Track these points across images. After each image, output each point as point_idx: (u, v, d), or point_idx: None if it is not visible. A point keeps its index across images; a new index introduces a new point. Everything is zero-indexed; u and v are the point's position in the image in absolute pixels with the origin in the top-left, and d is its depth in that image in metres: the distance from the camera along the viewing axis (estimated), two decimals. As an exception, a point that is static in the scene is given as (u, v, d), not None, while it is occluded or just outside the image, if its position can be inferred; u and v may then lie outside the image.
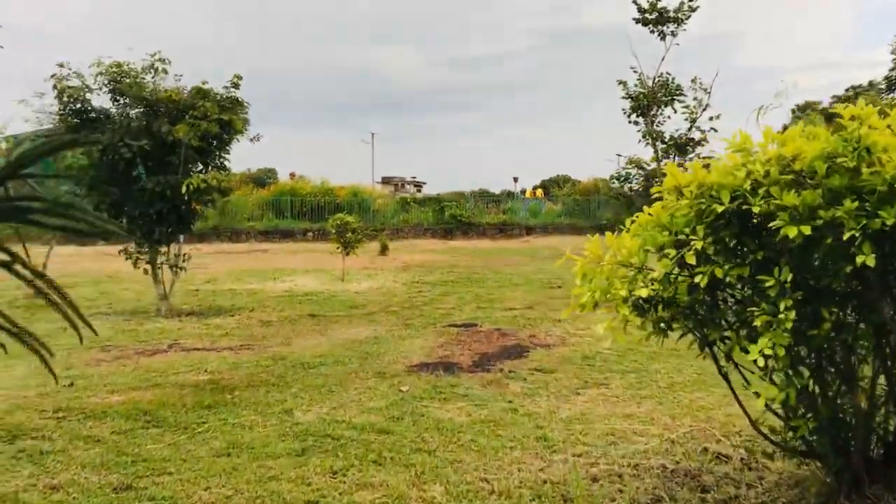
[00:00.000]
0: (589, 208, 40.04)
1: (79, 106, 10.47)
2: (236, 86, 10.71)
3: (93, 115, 10.56)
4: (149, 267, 10.82)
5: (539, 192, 53.12)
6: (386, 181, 69.43)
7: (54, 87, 10.35)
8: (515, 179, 57.80)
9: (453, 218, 36.47)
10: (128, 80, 10.49)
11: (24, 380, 6.90)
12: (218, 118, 10.23)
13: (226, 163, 11.19)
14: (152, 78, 10.64)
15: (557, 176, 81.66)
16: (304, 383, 6.74)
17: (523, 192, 55.17)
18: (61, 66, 10.34)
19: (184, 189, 9.84)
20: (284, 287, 15.13)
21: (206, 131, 10.17)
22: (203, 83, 10.68)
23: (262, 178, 51.58)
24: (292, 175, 49.15)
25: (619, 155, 68.73)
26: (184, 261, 10.96)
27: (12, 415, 5.67)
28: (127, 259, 10.73)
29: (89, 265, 20.73)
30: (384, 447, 4.91)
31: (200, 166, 10.92)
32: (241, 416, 5.68)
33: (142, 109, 10.54)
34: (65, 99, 10.33)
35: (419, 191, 70.38)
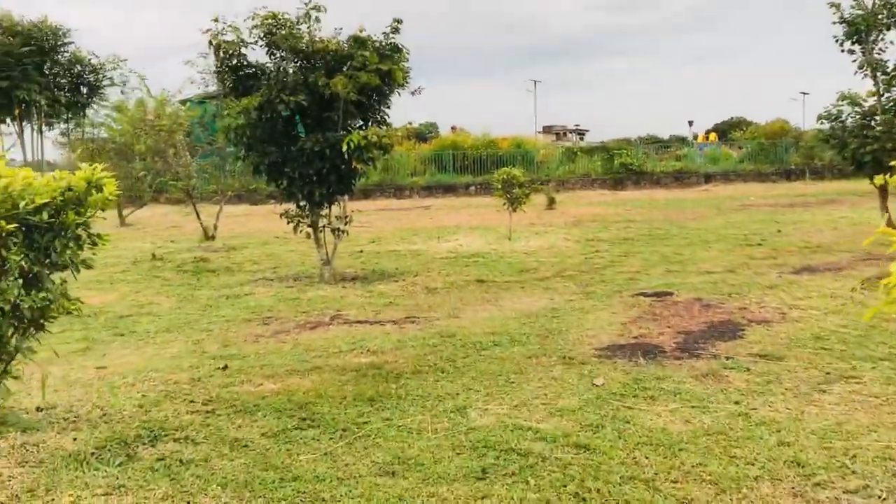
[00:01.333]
0: (775, 152, 36.52)
1: (235, 62, 9.96)
2: (396, 30, 9.76)
3: (249, 70, 10.02)
4: (310, 230, 10.26)
5: (713, 136, 49.46)
6: (547, 130, 67.32)
7: (210, 43, 9.87)
8: (690, 123, 53.98)
9: (623, 167, 34.40)
10: (283, 32, 9.83)
11: (179, 360, 6.40)
12: (377, 68, 9.35)
13: (386, 117, 10.35)
14: (308, 28, 9.91)
15: (732, 119, 76.18)
16: (478, 370, 5.77)
17: (695, 137, 51.64)
18: (216, 20, 9.83)
19: (344, 147, 9.09)
20: (449, 247, 14.32)
21: (366, 84, 9.33)
22: (360, 30, 9.83)
23: (424, 133, 51.43)
24: (453, 128, 48.59)
25: (803, 93, 62.82)
26: (346, 223, 10.31)
27: (159, 407, 5.08)
28: (289, 223, 10.22)
29: (259, 225, 20.99)
30: (586, 473, 3.82)
31: (360, 122, 10.15)
32: (407, 416, 4.78)
33: (298, 63, 9.86)
34: (221, 55, 9.84)
35: (581, 139, 67.82)
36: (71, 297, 4.80)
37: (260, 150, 9.81)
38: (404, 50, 9.90)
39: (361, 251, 13.81)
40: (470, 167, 35.76)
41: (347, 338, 7.06)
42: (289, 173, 9.93)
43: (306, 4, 9.94)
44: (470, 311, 8.29)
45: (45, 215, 4.33)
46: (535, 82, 61.99)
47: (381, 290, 9.74)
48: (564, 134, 71.18)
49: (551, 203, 23.43)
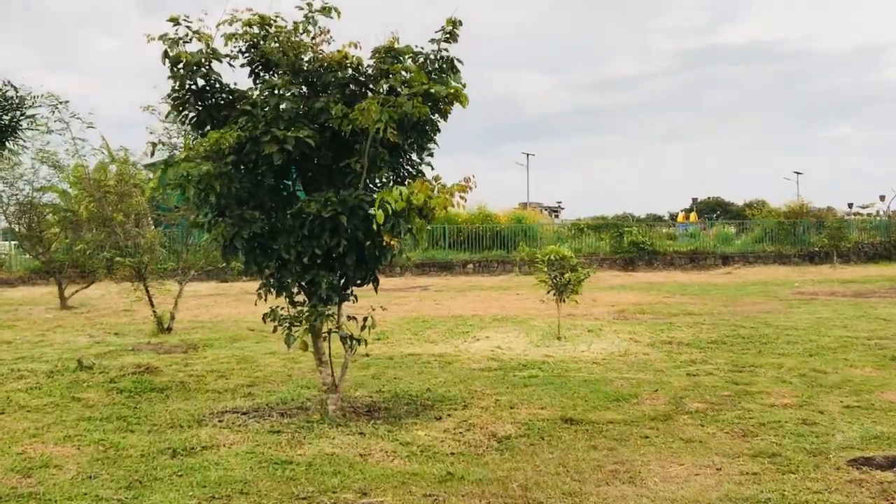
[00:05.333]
0: (794, 232, 33.71)
1: (202, 83, 6.54)
2: (451, 37, 6.40)
3: (222, 96, 6.59)
4: (308, 339, 6.64)
5: (693, 216, 46.88)
6: (522, 206, 64.91)
7: (165, 55, 6.45)
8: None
9: (634, 245, 31.26)
10: (275, 44, 6.46)
11: None
12: (426, 92, 5.97)
13: (422, 167, 6.92)
14: (311, 37, 6.56)
15: (709, 199, 74.46)
16: None
17: (674, 217, 49.33)
18: (175, 21, 6.43)
19: (377, 211, 5.58)
20: (483, 349, 10.77)
21: (407, 115, 5.92)
22: (393, 39, 6.47)
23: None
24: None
25: (797, 173, 61.23)
26: (366, 327, 6.71)
27: None
28: (276, 329, 6.60)
29: (229, 310, 17.27)
30: None
31: (388, 174, 6.69)
32: None
33: (297, 87, 6.45)
34: (179, 72, 6.42)
35: (556, 216, 65.42)
36: None
37: (236, 215, 6.27)
38: (459, 65, 6.55)
39: (367, 355, 10.10)
40: (465, 243, 32.44)
41: None
42: (279, 252, 6.40)
43: (309, 5, 6.60)
44: (595, 498, 4.73)
45: None
46: (527, 155, 59.66)
47: (421, 439, 6.11)
48: (541, 210, 68.82)
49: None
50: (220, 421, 6.79)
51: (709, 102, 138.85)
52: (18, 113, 9.15)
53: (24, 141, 9.33)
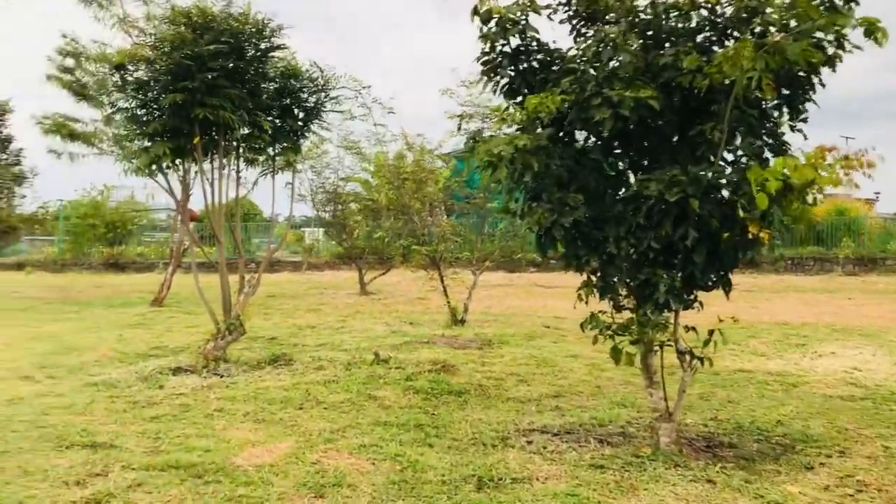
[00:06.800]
0: None
1: (516, 43, 5.51)
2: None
3: (539, 56, 5.51)
4: (635, 349, 5.35)
5: None
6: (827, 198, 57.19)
7: (474, 11, 5.51)
8: None
9: None
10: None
11: None
12: (820, 27, 4.35)
13: (783, 137, 5.26)
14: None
15: None
16: None
17: None
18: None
19: (757, 192, 4.12)
20: (833, 369, 8.73)
21: (792, 63, 4.35)
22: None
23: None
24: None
25: None
26: (713, 341, 5.27)
27: None
28: (595, 340, 5.38)
29: (521, 303, 16.56)
30: None
31: (751, 142, 5.13)
32: None
33: (634, 39, 5.16)
34: (491, 31, 5.45)
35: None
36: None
37: (555, 199, 5.14)
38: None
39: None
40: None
41: None
42: (605, 245, 5.17)
43: None
44: None
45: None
46: (846, 139, 52.72)
47: (796, 499, 4.54)
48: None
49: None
50: (528, 442, 5.74)
51: None
52: (323, 94, 8.91)
53: (328, 124, 9.07)
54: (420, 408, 6.94)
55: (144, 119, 8.23)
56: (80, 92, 15.24)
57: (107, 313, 15.15)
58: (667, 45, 5.10)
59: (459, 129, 6.91)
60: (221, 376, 8.12)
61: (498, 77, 5.70)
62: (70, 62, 15.18)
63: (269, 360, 8.99)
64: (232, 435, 5.95)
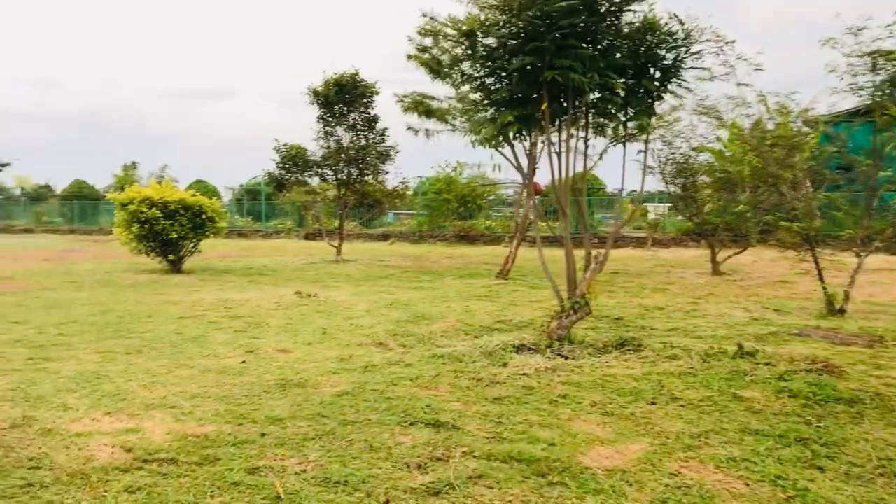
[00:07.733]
0: None
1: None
2: None
3: None
4: None
5: None
6: None
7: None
8: None
9: None
10: None
11: None
12: None
13: None
14: None
15: None
16: None
17: None
18: None
19: None
20: None
21: None
22: None
23: None
24: None
25: None
26: None
27: None
28: None
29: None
30: None
31: None
32: None
33: None
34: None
35: None
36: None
37: None
38: None
39: None
40: None
41: None
42: None
43: None
44: None
45: None
46: None
47: None
48: None
49: None
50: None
51: None
52: (683, 50, 7.87)
53: (688, 83, 8.00)
54: (800, 416, 5.73)
55: (492, 88, 7.97)
56: (435, 69, 15.82)
57: (456, 283, 15.72)
58: None
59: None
60: (566, 358, 7.61)
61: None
62: (428, 41, 15.83)
63: (616, 343, 8.29)
64: (578, 428, 5.37)
